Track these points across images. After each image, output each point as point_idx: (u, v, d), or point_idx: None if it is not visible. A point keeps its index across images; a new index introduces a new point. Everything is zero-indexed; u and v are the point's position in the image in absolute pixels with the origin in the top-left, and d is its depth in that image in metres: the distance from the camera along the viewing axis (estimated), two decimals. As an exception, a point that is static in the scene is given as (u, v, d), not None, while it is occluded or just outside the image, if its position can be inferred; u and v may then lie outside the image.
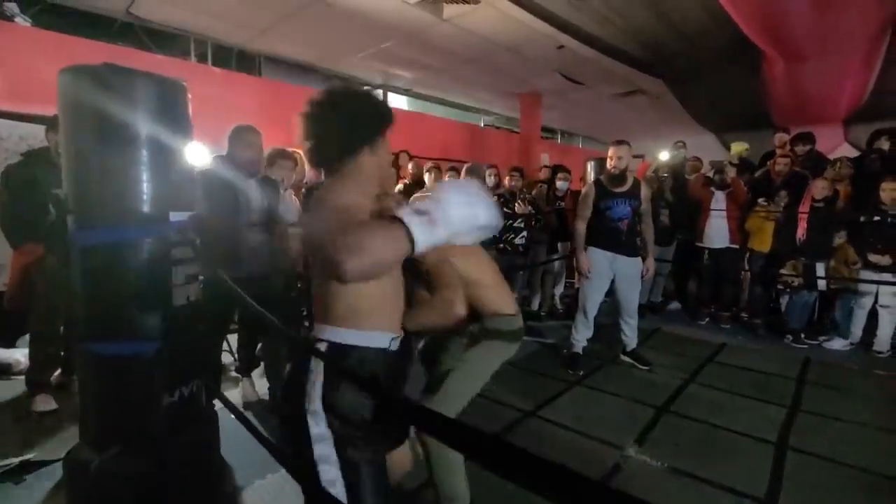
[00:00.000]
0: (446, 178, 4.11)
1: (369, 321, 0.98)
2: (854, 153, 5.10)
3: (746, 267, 4.13)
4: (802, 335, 3.73)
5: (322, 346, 0.96)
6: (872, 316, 3.53)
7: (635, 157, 7.24)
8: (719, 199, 4.16)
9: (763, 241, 3.94)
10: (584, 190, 3.36)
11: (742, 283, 4.33)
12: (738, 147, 4.86)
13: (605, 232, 3.01)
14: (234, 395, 2.51)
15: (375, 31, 4.77)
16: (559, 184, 4.42)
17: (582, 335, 3.15)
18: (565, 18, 4.49)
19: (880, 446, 2.19)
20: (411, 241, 0.82)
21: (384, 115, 1.07)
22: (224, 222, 2.11)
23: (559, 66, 5.75)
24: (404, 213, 0.84)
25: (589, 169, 4.25)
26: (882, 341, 3.48)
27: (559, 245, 4.49)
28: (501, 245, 3.79)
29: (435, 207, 0.85)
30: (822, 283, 3.68)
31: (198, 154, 2.98)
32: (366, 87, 1.02)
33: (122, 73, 1.37)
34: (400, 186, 4.27)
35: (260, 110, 4.64)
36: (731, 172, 4.17)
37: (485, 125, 9.06)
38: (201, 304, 2.17)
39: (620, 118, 8.81)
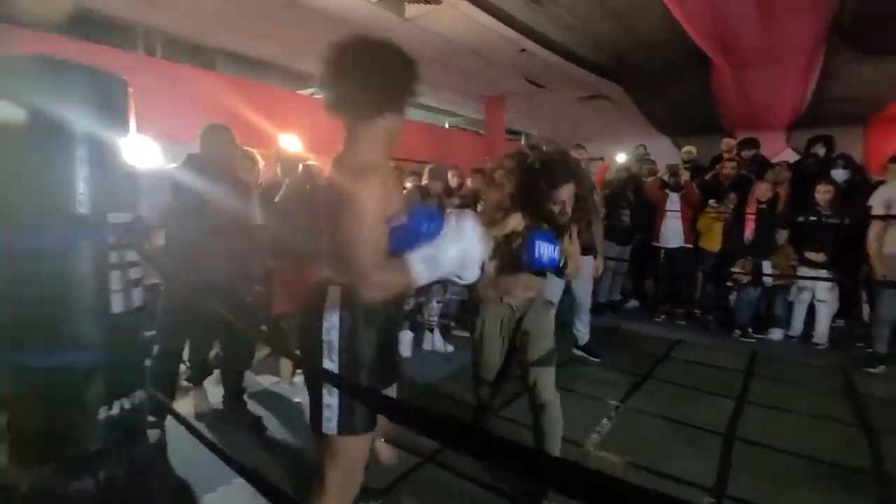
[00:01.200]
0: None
1: None
2: (796, 158, 5.44)
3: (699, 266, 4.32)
4: (750, 329, 3.93)
5: (337, 287, 1.08)
6: (812, 310, 3.77)
7: (596, 159, 7.45)
8: (674, 201, 4.33)
9: (713, 241, 4.13)
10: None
11: (696, 281, 4.52)
12: (684, 150, 5.08)
13: None
14: (186, 404, 2.40)
15: (337, 29, 4.65)
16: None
17: (585, 328, 3.28)
18: (527, 23, 4.56)
19: (820, 434, 2.33)
20: (411, 282, 1.03)
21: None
22: (193, 224, 2.01)
23: (523, 70, 5.83)
24: (414, 262, 1.01)
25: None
26: (820, 334, 3.72)
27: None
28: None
29: (434, 259, 1.02)
30: (768, 280, 3.89)
31: (146, 151, 2.84)
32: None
33: (54, 65, 1.28)
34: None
35: (217, 106, 4.47)
36: (685, 175, 4.35)
37: (449, 126, 9.08)
38: (162, 310, 2.09)
39: (582, 122, 9.03)
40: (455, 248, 1.04)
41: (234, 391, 2.38)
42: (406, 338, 3.29)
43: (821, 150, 4.42)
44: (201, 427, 2.21)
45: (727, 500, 1.79)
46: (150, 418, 1.54)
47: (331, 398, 1.08)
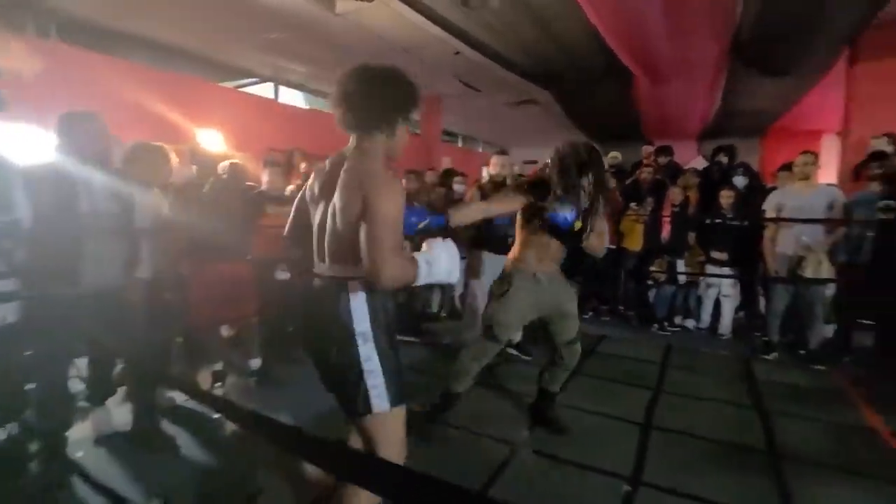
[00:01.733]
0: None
1: None
2: (706, 164, 5.95)
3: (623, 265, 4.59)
4: (666, 323, 4.25)
5: (356, 281, 1.19)
6: (719, 304, 4.14)
7: (529, 162, 7.67)
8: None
9: (635, 242, 4.41)
10: (468, 197, 3.49)
11: (620, 280, 4.80)
12: (610, 156, 5.38)
13: (493, 235, 3.16)
14: (86, 429, 2.14)
15: (261, 21, 4.46)
16: (456, 187, 4.51)
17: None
18: (459, 26, 4.60)
19: (724, 418, 2.55)
20: (415, 279, 1.20)
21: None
22: (60, 228, 1.78)
23: (457, 72, 5.89)
24: (421, 261, 1.20)
25: (485, 174, 4.40)
26: (725, 325, 4.10)
27: (457, 247, 4.58)
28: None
29: (434, 262, 1.21)
30: (681, 278, 4.22)
31: (30, 143, 2.51)
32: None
33: None
34: (292, 187, 4.03)
35: (124, 96, 4.06)
36: (612, 182, 4.60)
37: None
38: (26, 326, 1.82)
39: (516, 125, 9.31)
40: (445, 258, 1.23)
41: (144, 410, 2.17)
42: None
43: (724, 159, 4.85)
44: (102, 454, 1.99)
45: (643, 486, 1.89)
46: (37, 448, 1.35)
47: (376, 379, 1.19)
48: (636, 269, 4.45)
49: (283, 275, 2.84)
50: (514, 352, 3.39)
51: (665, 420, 2.49)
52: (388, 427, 1.23)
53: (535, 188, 2.07)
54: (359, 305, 1.20)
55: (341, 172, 1.19)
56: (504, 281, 2.17)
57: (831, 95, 5.49)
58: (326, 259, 1.24)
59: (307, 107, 7.61)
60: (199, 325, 2.65)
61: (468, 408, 2.57)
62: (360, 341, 1.19)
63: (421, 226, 1.59)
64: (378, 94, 1.18)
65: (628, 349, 3.68)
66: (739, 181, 4.19)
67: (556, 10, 4.31)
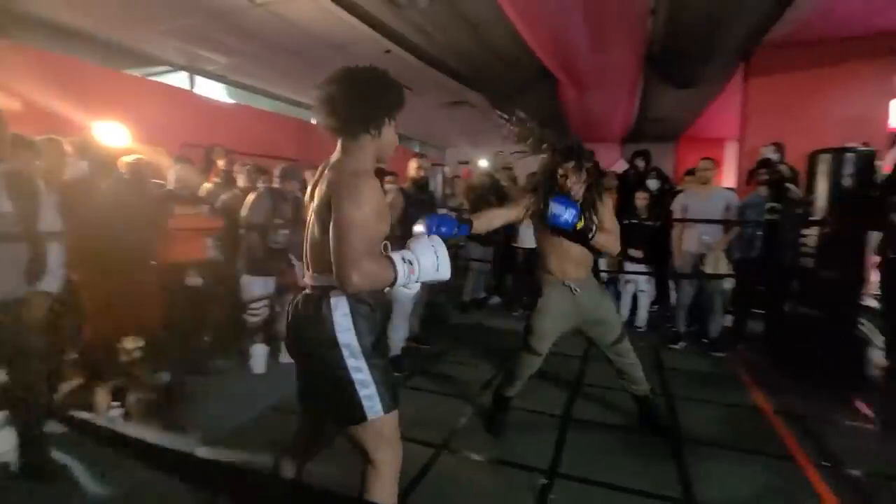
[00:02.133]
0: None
1: None
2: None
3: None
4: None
5: (338, 290, 1.16)
6: (636, 298, 4.43)
7: (462, 163, 7.74)
8: (527, 204, 4.71)
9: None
10: (391, 198, 3.46)
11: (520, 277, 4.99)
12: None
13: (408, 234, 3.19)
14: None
15: (172, 5, 4.12)
16: (387, 186, 4.46)
17: (399, 336, 3.21)
18: (388, 24, 4.55)
19: (635, 405, 2.71)
20: (394, 281, 1.16)
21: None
22: None
23: (389, 71, 5.81)
24: (398, 260, 1.17)
25: (412, 173, 4.37)
26: (641, 318, 4.39)
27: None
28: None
29: (415, 262, 1.19)
30: (603, 275, 4.46)
31: None
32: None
33: None
34: (209, 186, 3.77)
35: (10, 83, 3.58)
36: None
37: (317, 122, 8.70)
38: None
39: (452, 125, 9.38)
40: (429, 255, 1.22)
41: (29, 434, 1.92)
42: (258, 352, 3.03)
43: (640, 163, 5.19)
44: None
45: (559, 478, 1.97)
46: None
47: (367, 389, 1.20)
48: (530, 266, 4.64)
49: (194, 281, 2.65)
50: (413, 344, 3.43)
51: (583, 411, 2.62)
52: (384, 432, 1.25)
53: (539, 189, 2.05)
54: (341, 316, 1.19)
55: (323, 178, 1.19)
56: (536, 291, 2.20)
57: (731, 106, 6.07)
58: (310, 268, 1.24)
59: (232, 100, 7.18)
60: (96, 338, 2.40)
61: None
62: (345, 353, 1.19)
63: (454, 232, 1.59)
64: (363, 95, 1.17)
65: (553, 345, 3.83)
66: (652, 184, 4.51)
67: (484, 14, 4.38)
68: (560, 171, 2.01)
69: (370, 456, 1.24)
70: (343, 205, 1.08)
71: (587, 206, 2.01)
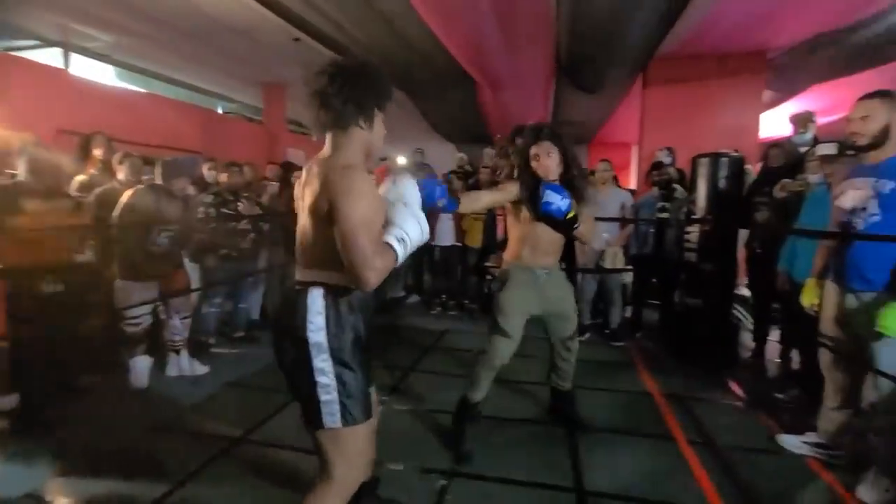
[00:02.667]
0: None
1: None
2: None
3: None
4: (503, 314, 4.58)
5: (319, 286, 1.16)
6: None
7: (382, 159, 7.60)
8: (444, 203, 4.72)
9: (475, 239, 4.66)
10: None
11: (466, 275, 5.04)
12: (457, 157, 5.63)
13: None
14: None
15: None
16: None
17: None
18: (296, 12, 4.31)
19: (540, 398, 2.79)
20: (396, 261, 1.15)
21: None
22: None
23: (300, 60, 5.54)
24: (394, 242, 1.15)
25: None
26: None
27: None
28: (225, 251, 3.37)
29: (405, 237, 1.17)
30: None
31: None
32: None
33: None
34: (83, 178, 3.33)
35: None
36: (457, 183, 4.78)
37: (225, 112, 8.07)
38: None
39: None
40: (410, 217, 1.19)
41: None
42: (140, 365, 2.72)
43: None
44: None
45: (457, 478, 1.96)
46: None
47: (328, 395, 1.15)
48: (477, 264, 4.71)
49: (52, 287, 2.30)
50: None
51: (490, 407, 2.64)
52: (341, 444, 1.19)
53: (519, 176, 2.01)
54: (315, 314, 1.15)
55: (312, 174, 1.16)
56: (502, 276, 2.15)
57: (635, 113, 6.55)
58: (298, 261, 1.22)
59: (126, 85, 6.44)
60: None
61: (288, 425, 2.41)
62: (313, 352, 1.15)
63: (440, 204, 1.59)
64: (353, 86, 1.13)
65: (468, 341, 3.87)
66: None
67: (397, 8, 4.31)
68: (532, 151, 1.97)
69: (325, 465, 1.20)
70: (344, 207, 1.06)
71: (572, 192, 1.93)
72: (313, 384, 1.15)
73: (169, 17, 4.45)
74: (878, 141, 1.79)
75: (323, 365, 1.15)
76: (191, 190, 3.62)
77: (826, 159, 2.59)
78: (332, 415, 1.15)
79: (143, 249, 2.63)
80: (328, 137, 1.19)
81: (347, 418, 1.16)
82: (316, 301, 1.15)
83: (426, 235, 1.23)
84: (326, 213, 1.09)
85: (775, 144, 3.63)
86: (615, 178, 4.44)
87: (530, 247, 2.07)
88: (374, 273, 1.07)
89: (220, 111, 7.92)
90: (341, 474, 1.20)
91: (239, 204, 3.41)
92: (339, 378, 1.16)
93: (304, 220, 1.19)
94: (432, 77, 6.20)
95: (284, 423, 2.40)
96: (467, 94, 6.73)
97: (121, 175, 3.22)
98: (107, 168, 3.50)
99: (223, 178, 3.43)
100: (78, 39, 5.18)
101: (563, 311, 2.19)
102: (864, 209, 1.85)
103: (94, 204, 2.92)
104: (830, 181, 2.45)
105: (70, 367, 2.54)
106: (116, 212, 2.60)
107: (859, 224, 1.87)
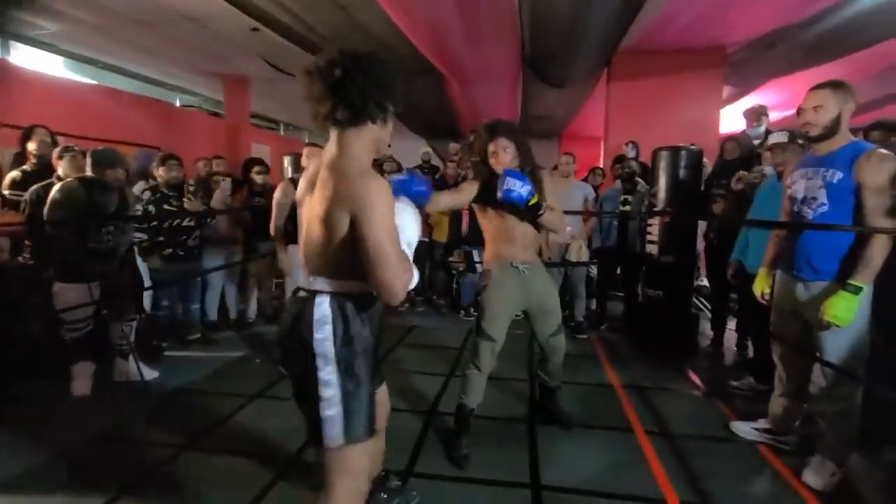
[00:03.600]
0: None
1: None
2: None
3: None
4: (472, 309, 4.55)
5: (325, 295, 1.11)
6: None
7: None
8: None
9: (442, 234, 4.61)
10: (278, 193, 3.19)
11: (433, 270, 4.99)
12: (422, 152, 5.56)
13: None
14: None
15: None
16: (258, 178, 4.09)
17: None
18: (252, 0, 4.15)
19: (507, 395, 2.76)
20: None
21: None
22: None
23: (260, 51, 5.35)
24: (406, 248, 1.12)
25: (286, 164, 4.07)
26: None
27: (258, 244, 4.16)
28: (169, 250, 3.21)
29: (411, 241, 1.18)
30: (479, 266, 4.55)
31: None
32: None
33: None
34: (16, 175, 3.12)
35: None
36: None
37: (184, 105, 7.74)
38: None
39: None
40: (409, 221, 1.20)
41: None
42: (81, 371, 2.57)
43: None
44: None
45: (414, 478, 1.92)
46: None
47: (331, 410, 1.10)
48: (443, 260, 4.67)
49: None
50: None
51: (449, 404, 2.60)
52: (346, 463, 1.14)
53: (478, 173, 2.08)
54: (322, 322, 1.10)
55: (320, 177, 1.09)
56: (485, 275, 2.13)
57: (602, 107, 6.61)
58: (307, 267, 1.16)
59: (72, 75, 6.10)
60: None
61: (252, 425, 2.32)
62: (319, 363, 1.09)
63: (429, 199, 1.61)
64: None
65: (435, 337, 3.83)
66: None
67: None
68: (490, 149, 1.99)
69: (328, 480, 1.15)
70: (370, 221, 1.00)
71: (535, 182, 1.95)
72: (317, 398, 1.10)
73: (117, 5, 4.22)
74: (830, 131, 1.81)
75: (329, 377, 1.10)
76: (141, 186, 3.44)
77: (777, 149, 2.63)
78: (334, 430, 1.10)
79: (83, 248, 2.47)
80: (335, 134, 1.10)
81: (350, 436, 1.11)
82: (323, 310, 1.10)
83: (416, 237, 1.23)
84: (341, 224, 1.03)
85: (730, 138, 3.71)
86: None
87: (505, 242, 2.08)
88: (402, 285, 1.03)
89: (178, 104, 7.59)
90: (344, 492, 1.15)
91: (185, 200, 3.26)
92: (343, 391, 1.10)
93: (311, 228, 1.12)
94: (401, 72, 6.08)
95: (234, 427, 2.30)
96: (435, 88, 6.65)
97: (61, 170, 3.03)
98: (44, 164, 3.29)
99: (160, 172, 3.25)
100: (18, 27, 4.86)
101: (547, 305, 2.18)
102: (813, 199, 1.88)
103: (29, 202, 2.75)
104: (781, 171, 2.50)
105: (6, 373, 2.37)
106: (47, 208, 2.43)
107: (809, 214, 1.89)
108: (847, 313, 1.69)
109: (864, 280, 1.69)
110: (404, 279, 1.04)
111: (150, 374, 2.83)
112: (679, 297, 3.48)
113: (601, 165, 5.39)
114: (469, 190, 2.06)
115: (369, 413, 1.15)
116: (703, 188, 3.57)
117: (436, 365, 3.21)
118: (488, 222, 2.11)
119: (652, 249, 3.54)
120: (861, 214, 1.75)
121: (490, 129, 2.02)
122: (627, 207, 3.98)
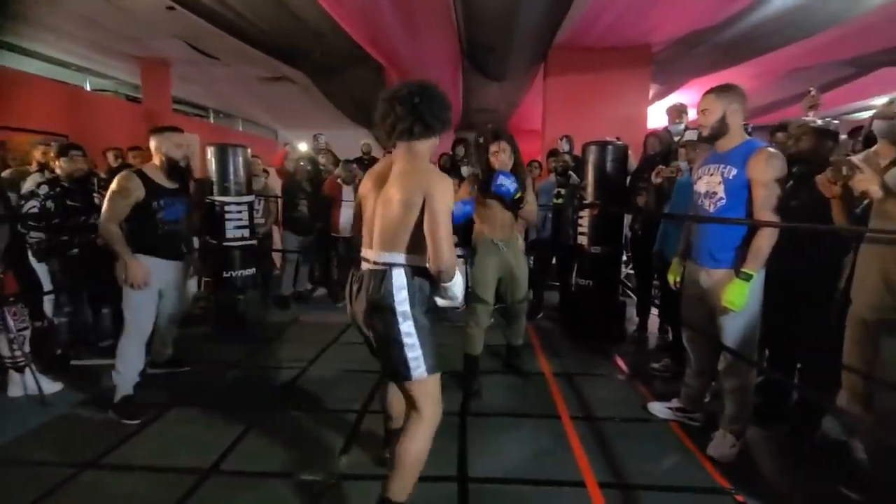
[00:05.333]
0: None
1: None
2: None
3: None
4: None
5: (399, 267, 1.42)
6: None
7: (284, 145, 7.16)
8: (349, 193, 4.52)
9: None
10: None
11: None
12: (362, 143, 5.44)
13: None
14: None
15: None
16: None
17: (134, 366, 2.45)
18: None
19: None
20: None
21: (451, 107, 1.51)
22: None
23: (178, 33, 4.97)
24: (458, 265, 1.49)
25: (209, 156, 3.81)
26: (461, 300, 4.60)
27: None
28: (77, 250, 2.93)
29: (458, 281, 1.50)
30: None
31: None
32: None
33: None
34: None
35: None
36: (358, 172, 4.59)
37: (95, 90, 7.04)
38: None
39: (279, 104, 8.62)
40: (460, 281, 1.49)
41: None
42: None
43: (460, 151, 5.42)
44: None
45: (342, 478, 1.87)
46: None
47: (415, 351, 1.42)
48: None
49: None
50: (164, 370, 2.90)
51: (376, 401, 2.56)
52: (427, 390, 1.47)
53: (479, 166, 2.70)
54: (400, 288, 1.41)
55: (394, 174, 1.42)
56: (472, 250, 2.73)
57: (539, 101, 6.74)
58: (374, 246, 1.44)
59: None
60: None
61: (158, 441, 2.17)
62: (400, 319, 1.40)
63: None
64: (438, 104, 1.42)
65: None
66: (465, 171, 4.73)
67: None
68: (492, 149, 2.54)
69: (416, 407, 1.47)
70: (441, 201, 1.34)
71: (520, 181, 2.47)
72: (402, 345, 1.41)
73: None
74: (718, 131, 1.95)
75: (409, 329, 1.41)
76: (36, 179, 3.10)
77: (689, 146, 2.80)
78: (418, 367, 1.42)
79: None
80: (406, 144, 1.42)
81: (430, 368, 1.44)
82: (399, 278, 1.41)
83: (459, 299, 1.56)
84: (416, 205, 1.35)
85: (652, 134, 3.90)
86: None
87: (489, 224, 2.65)
88: (452, 257, 1.36)
89: (87, 87, 6.89)
90: (430, 413, 1.47)
91: (95, 196, 2.97)
92: (420, 338, 1.42)
93: (388, 212, 1.40)
94: (336, 59, 5.89)
95: (143, 442, 2.15)
96: (374, 77, 6.50)
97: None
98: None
99: (61, 163, 2.93)
100: None
101: (518, 275, 2.71)
102: (714, 193, 2.00)
103: None
104: (692, 167, 2.66)
105: None
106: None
107: (710, 208, 2.02)
108: (740, 298, 1.83)
109: (754, 268, 1.84)
110: (453, 255, 1.37)
111: (52, 386, 2.58)
112: (607, 286, 3.64)
113: (539, 159, 5.52)
114: (464, 190, 2.66)
115: (436, 352, 1.48)
116: (628, 181, 3.74)
117: (369, 362, 3.15)
118: (482, 208, 2.62)
119: (583, 241, 3.67)
120: (752, 208, 1.89)
121: (494, 133, 2.61)
122: (561, 200, 4.10)
